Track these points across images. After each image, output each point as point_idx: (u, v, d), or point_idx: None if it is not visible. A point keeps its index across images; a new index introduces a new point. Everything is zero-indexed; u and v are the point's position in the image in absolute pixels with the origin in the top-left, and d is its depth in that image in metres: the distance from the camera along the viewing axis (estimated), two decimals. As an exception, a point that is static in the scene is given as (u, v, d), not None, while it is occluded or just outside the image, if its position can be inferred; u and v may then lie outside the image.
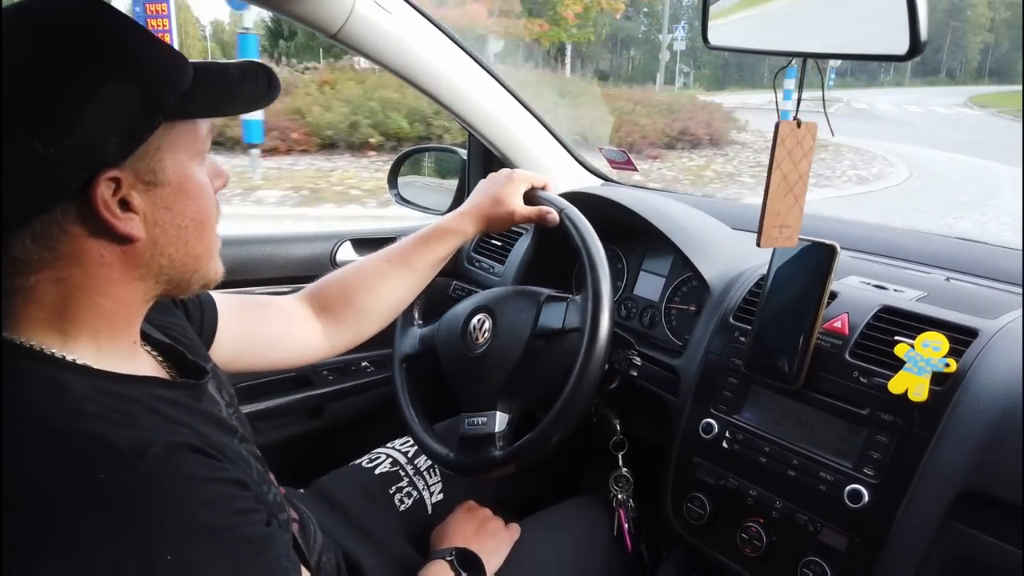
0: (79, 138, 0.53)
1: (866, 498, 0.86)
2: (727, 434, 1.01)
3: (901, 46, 0.72)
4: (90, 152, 0.54)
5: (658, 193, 1.59)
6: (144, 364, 0.68)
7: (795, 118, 0.80)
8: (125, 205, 0.58)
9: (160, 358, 0.72)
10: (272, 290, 1.46)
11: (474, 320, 1.13)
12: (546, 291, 1.09)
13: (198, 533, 0.54)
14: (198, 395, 0.68)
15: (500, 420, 1.08)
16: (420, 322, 1.24)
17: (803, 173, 0.83)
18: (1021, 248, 1.13)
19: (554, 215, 1.06)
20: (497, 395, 1.08)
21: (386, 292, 1.05)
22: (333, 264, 1.54)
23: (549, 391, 1.03)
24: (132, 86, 0.56)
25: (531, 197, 1.09)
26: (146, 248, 0.61)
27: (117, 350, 0.63)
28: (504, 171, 1.11)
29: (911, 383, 0.86)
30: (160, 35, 0.62)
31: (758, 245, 0.84)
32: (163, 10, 7.59)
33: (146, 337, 0.71)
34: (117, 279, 0.61)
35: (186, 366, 0.73)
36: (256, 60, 0.68)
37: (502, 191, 1.07)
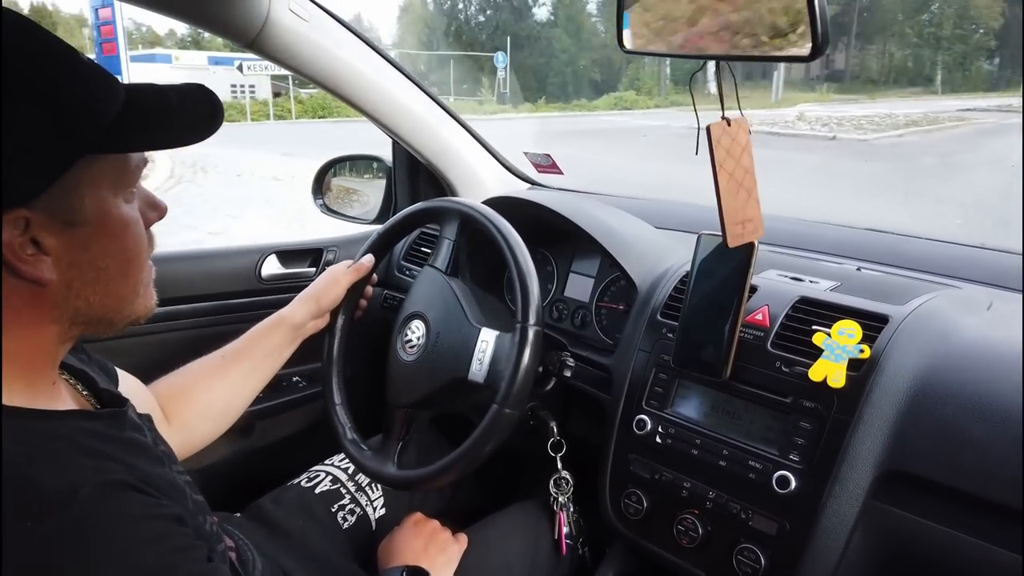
0: None
1: (793, 483, 0.89)
2: (660, 429, 1.03)
3: (805, 48, 0.75)
4: None
5: (583, 195, 1.61)
6: (65, 400, 0.64)
7: (723, 118, 0.82)
8: (35, 245, 0.54)
9: (80, 388, 0.69)
10: (197, 307, 1.42)
11: (406, 329, 1.12)
12: (481, 327, 1.07)
13: (139, 574, 0.52)
14: (121, 424, 0.65)
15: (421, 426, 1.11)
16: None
17: (747, 167, 0.85)
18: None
19: (369, 258, 1.16)
20: (409, 406, 1.10)
21: (223, 389, 1.02)
22: (258, 278, 1.50)
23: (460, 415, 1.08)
24: (45, 119, 0.51)
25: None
26: (59, 291, 0.57)
27: (34, 392, 0.59)
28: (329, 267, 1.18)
29: (829, 370, 0.89)
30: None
31: (727, 246, 0.86)
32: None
33: (63, 366, 0.67)
34: (27, 322, 0.57)
35: (102, 394, 0.70)
36: (199, 84, 0.62)
37: (329, 272, 1.15)
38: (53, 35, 0.55)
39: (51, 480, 0.51)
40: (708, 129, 0.81)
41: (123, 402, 0.69)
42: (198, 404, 0.99)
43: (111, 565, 0.51)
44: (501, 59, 29.81)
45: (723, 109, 0.83)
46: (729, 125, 0.83)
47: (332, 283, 1.13)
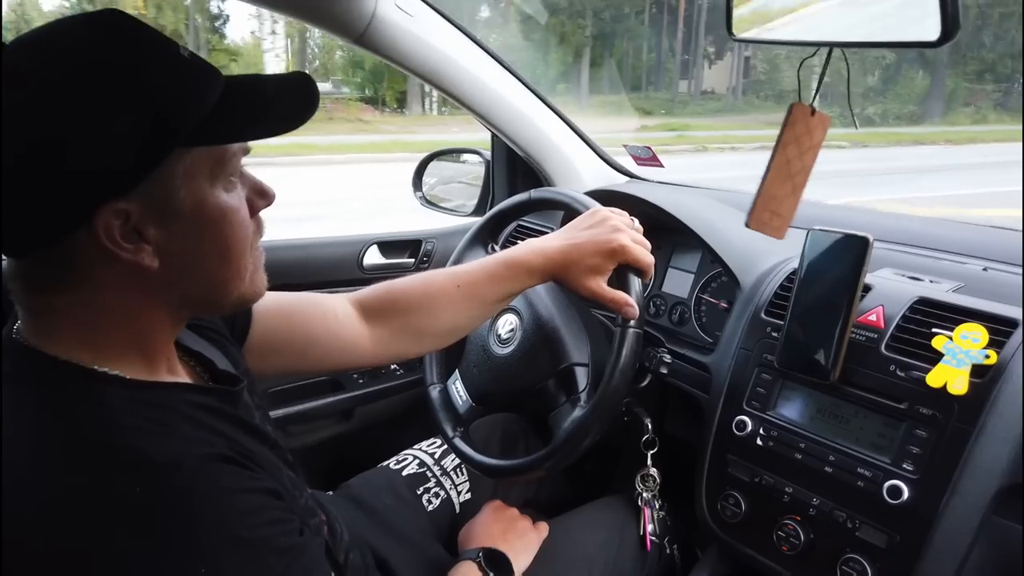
0: (79, 169, 0.52)
1: (906, 494, 0.84)
2: (761, 431, 1.00)
3: (932, 32, 0.70)
4: (91, 183, 0.53)
5: (684, 189, 1.58)
6: (180, 376, 0.67)
7: (811, 105, 0.79)
8: (138, 234, 0.56)
9: (194, 364, 0.72)
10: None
11: (503, 318, 1.13)
12: (571, 359, 1.08)
13: (232, 545, 0.54)
14: (234, 401, 0.68)
15: (469, 410, 1.15)
16: None
17: (806, 166, 0.82)
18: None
19: (634, 310, 0.95)
20: (483, 393, 1.14)
21: (447, 318, 0.96)
22: (360, 267, 1.55)
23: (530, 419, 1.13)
24: (139, 114, 0.53)
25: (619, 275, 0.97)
26: (163, 276, 0.59)
27: (149, 367, 0.63)
28: (614, 236, 0.94)
29: (950, 376, 0.84)
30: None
31: (747, 225, 0.83)
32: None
33: (179, 345, 0.70)
34: (137, 305, 0.60)
35: (219, 373, 0.73)
36: (300, 72, 0.62)
37: (597, 263, 0.93)
38: (152, 29, 0.56)
39: (157, 451, 0.54)
40: (791, 106, 0.78)
41: (237, 382, 0.72)
42: (417, 323, 0.96)
43: (206, 536, 0.53)
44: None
45: (815, 98, 0.79)
46: (813, 115, 0.79)
47: (586, 289, 0.94)
